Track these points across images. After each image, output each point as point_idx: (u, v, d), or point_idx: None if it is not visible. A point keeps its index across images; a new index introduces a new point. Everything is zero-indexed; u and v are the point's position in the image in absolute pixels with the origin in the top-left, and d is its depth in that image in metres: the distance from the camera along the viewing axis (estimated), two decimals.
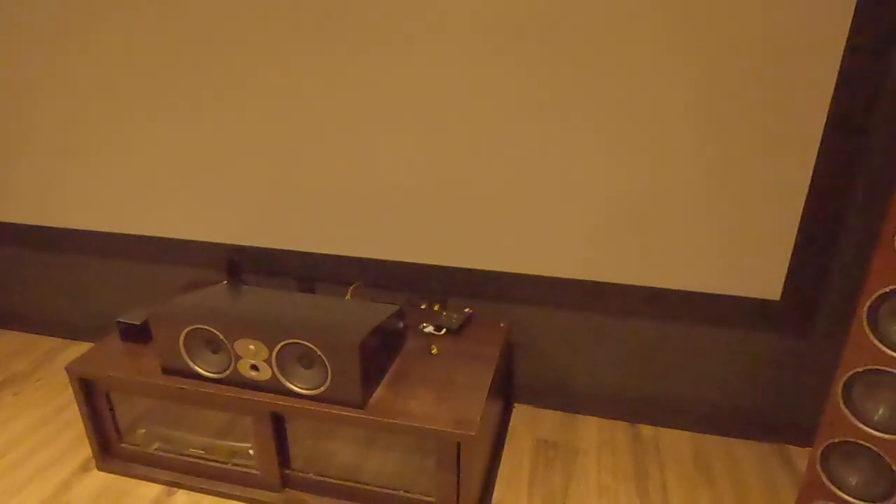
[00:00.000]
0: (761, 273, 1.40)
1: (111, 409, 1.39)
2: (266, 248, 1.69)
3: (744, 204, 1.35)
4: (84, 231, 1.81)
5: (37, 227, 1.84)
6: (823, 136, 1.25)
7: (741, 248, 1.39)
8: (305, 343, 1.17)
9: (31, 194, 1.80)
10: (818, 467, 1.18)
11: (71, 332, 2.00)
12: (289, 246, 1.67)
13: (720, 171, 1.33)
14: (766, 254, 1.38)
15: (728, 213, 1.37)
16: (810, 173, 1.28)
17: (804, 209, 1.32)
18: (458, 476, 1.22)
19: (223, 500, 1.36)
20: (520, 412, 1.68)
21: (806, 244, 1.35)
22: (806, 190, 1.30)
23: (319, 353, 1.17)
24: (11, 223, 1.86)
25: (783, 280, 1.39)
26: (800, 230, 1.34)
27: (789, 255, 1.37)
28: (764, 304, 1.43)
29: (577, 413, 1.67)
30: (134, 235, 1.78)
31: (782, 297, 1.41)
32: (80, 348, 1.96)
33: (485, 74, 1.36)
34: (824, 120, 1.24)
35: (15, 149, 1.74)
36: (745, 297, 1.43)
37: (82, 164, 1.71)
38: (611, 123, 1.34)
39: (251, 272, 1.73)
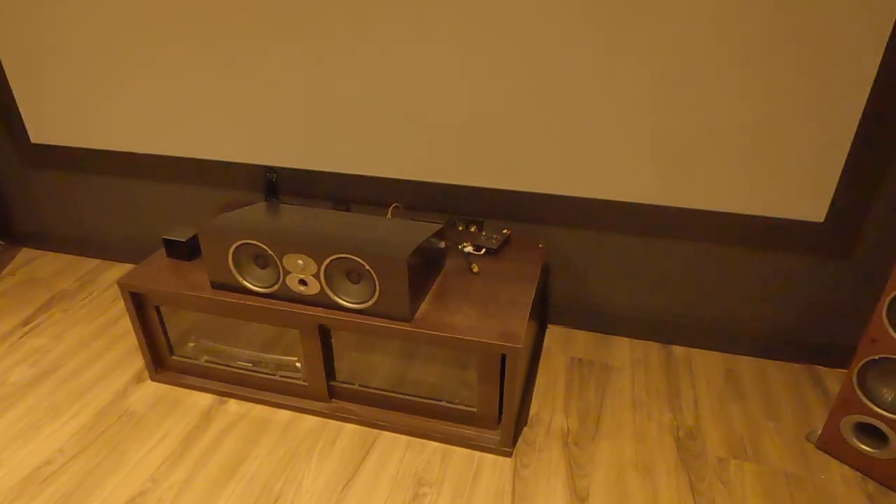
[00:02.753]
0: (806, 195, 1.38)
1: (162, 323, 1.44)
2: (301, 170, 1.69)
3: (791, 123, 1.32)
4: (121, 153, 1.81)
5: (74, 148, 1.85)
6: (886, 52, 1.21)
7: (786, 168, 1.37)
8: (354, 258, 1.19)
9: (69, 115, 1.79)
10: (855, 382, 1.21)
11: (110, 254, 2.04)
12: (324, 167, 1.67)
13: (764, 89, 1.29)
14: (813, 174, 1.36)
15: (773, 133, 1.34)
16: (868, 89, 1.24)
17: (857, 128, 1.29)
18: (501, 388, 1.27)
19: (272, 409, 1.43)
20: (553, 332, 1.71)
21: (855, 165, 1.33)
22: (861, 108, 1.27)
23: (368, 267, 1.19)
24: (49, 145, 1.87)
25: (829, 202, 1.38)
26: (851, 150, 1.32)
27: (837, 176, 1.35)
28: (806, 225, 1.42)
29: (610, 334, 1.70)
30: (170, 157, 1.78)
31: (826, 219, 1.40)
32: (120, 268, 2.01)
33: None
34: (888, 33, 1.19)
35: (54, 70, 1.72)
36: (786, 219, 1.42)
37: (119, 86, 1.69)
38: (649, 41, 1.30)
39: (286, 193, 1.74)
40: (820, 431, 1.33)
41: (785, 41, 1.24)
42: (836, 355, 1.57)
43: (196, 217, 1.87)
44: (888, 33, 1.19)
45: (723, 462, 1.30)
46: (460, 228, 1.62)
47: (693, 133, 1.38)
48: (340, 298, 1.26)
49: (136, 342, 1.65)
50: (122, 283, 1.38)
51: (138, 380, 1.52)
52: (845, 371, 1.56)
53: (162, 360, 1.50)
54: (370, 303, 1.24)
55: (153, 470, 1.27)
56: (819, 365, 1.59)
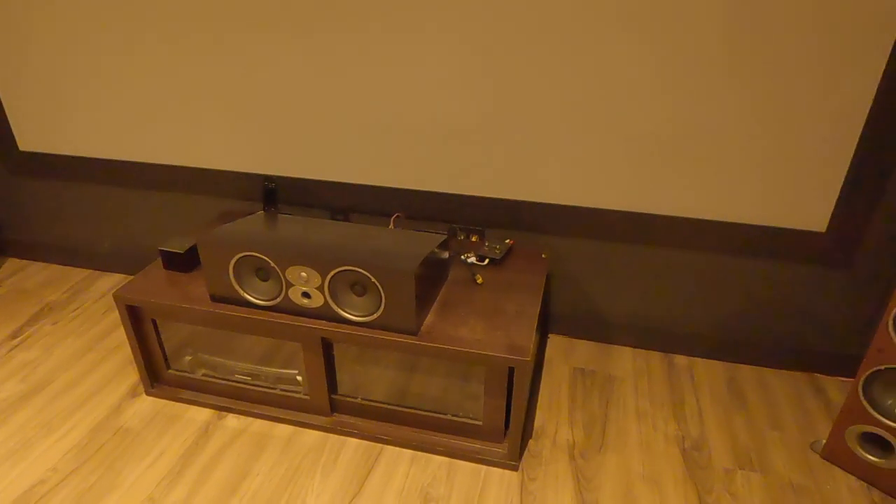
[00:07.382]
0: (808, 205, 1.39)
1: (158, 336, 1.41)
2: (300, 179, 1.66)
3: (794, 134, 1.32)
4: (111, 160, 1.77)
5: (64, 156, 1.80)
6: (889, 62, 1.21)
7: (789, 179, 1.37)
8: (360, 270, 1.17)
9: (59, 122, 1.75)
10: (861, 392, 1.21)
11: (100, 263, 1.99)
12: (323, 176, 1.64)
13: (768, 99, 1.30)
14: (815, 185, 1.36)
15: (775, 143, 1.34)
16: (871, 98, 1.25)
17: (860, 140, 1.30)
18: (508, 401, 1.25)
19: (273, 423, 1.40)
20: (554, 342, 1.70)
21: (857, 176, 1.33)
22: (865, 117, 1.27)
23: (374, 280, 1.17)
24: (38, 152, 1.82)
25: (830, 212, 1.39)
26: (853, 162, 1.32)
27: (839, 187, 1.36)
28: (808, 235, 1.42)
29: (611, 343, 1.70)
30: (163, 165, 1.74)
31: (828, 229, 1.40)
32: (110, 278, 1.96)
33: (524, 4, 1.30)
34: (892, 44, 1.20)
35: (43, 76, 1.68)
36: (789, 229, 1.43)
37: (111, 92, 1.65)
38: (651, 49, 1.29)
39: (284, 203, 1.71)
40: (825, 441, 1.34)
41: (787, 51, 1.25)
42: (837, 363, 1.57)
43: (189, 226, 1.83)
44: (891, 44, 1.20)
45: (729, 473, 1.29)
46: (461, 238, 1.60)
47: (695, 143, 1.38)
48: (345, 311, 1.24)
49: (130, 354, 1.61)
50: (118, 296, 1.34)
51: (133, 394, 1.48)
52: (846, 379, 1.57)
53: (158, 374, 1.47)
54: (375, 316, 1.22)
55: (151, 489, 1.23)
56: (819, 373, 1.60)
